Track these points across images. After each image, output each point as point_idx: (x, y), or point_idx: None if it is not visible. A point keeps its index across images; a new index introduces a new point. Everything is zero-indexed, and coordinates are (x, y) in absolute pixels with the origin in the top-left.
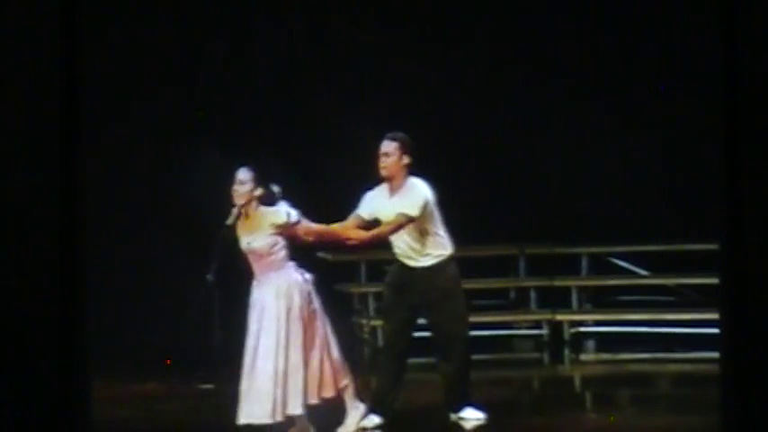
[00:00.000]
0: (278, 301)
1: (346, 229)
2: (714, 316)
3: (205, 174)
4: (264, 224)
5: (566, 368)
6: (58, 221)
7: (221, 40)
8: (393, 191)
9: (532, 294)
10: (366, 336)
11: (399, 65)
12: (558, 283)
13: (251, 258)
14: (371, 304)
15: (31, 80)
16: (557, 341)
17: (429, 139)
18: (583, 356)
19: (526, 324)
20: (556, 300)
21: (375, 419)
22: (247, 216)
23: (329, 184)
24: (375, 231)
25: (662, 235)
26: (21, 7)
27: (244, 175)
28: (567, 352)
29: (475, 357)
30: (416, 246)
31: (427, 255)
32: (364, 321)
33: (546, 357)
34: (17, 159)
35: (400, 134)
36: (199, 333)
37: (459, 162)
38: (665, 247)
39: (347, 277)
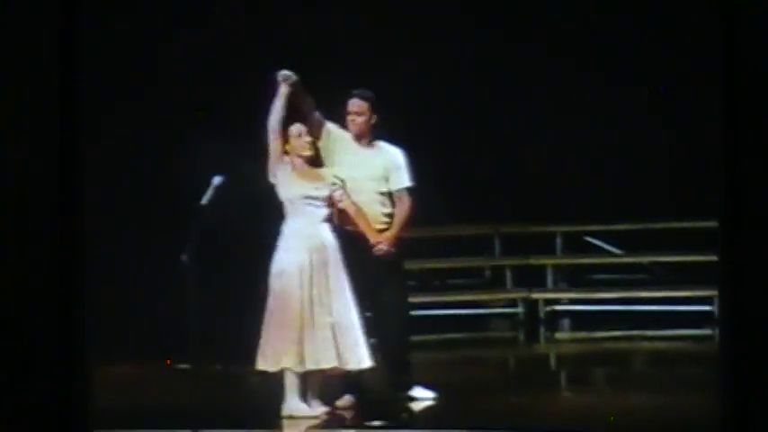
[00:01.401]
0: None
1: (370, 226)
2: (687, 294)
3: (204, 168)
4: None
5: (541, 346)
6: (57, 215)
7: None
8: (363, 148)
9: (508, 273)
10: None
11: (374, 34)
12: (533, 261)
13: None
14: None
15: (29, 79)
16: (532, 320)
17: (403, 117)
18: (558, 335)
19: (501, 303)
20: (531, 278)
21: None
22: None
23: None
24: (395, 230)
25: (636, 214)
26: (20, 2)
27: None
28: (542, 330)
29: (451, 336)
30: (389, 213)
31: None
32: None
33: (521, 336)
34: (16, 153)
35: (369, 93)
36: (174, 314)
37: (434, 140)
38: (638, 226)
39: None
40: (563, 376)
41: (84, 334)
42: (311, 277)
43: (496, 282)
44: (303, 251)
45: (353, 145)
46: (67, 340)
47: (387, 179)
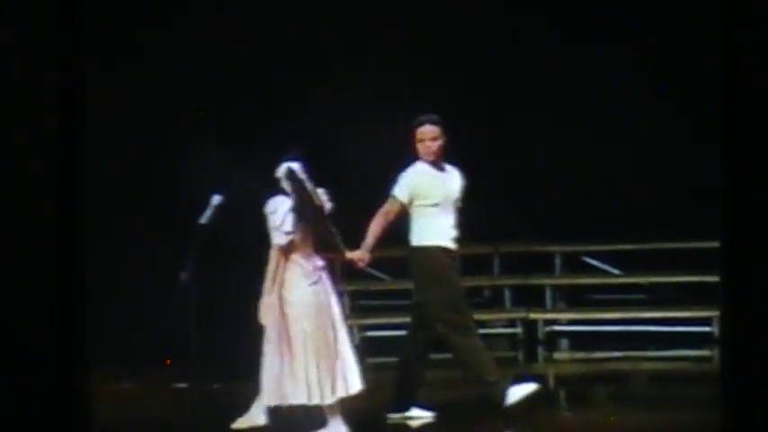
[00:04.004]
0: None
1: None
2: (686, 314)
3: (205, 173)
4: None
5: (540, 366)
6: (58, 221)
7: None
8: (439, 171)
9: (507, 293)
10: None
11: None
12: (532, 281)
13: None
14: (347, 303)
15: (29, 81)
16: (531, 340)
17: (405, 136)
18: (557, 355)
19: (500, 323)
20: (530, 298)
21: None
22: None
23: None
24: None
25: (635, 234)
26: (20, 4)
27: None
28: (541, 350)
29: (449, 356)
30: (456, 228)
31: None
32: None
33: (520, 356)
34: (17, 158)
35: (435, 116)
36: (175, 332)
37: None
38: (637, 247)
39: None
40: (562, 396)
41: (84, 348)
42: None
43: (495, 301)
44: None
45: (433, 172)
46: (68, 354)
47: (458, 200)
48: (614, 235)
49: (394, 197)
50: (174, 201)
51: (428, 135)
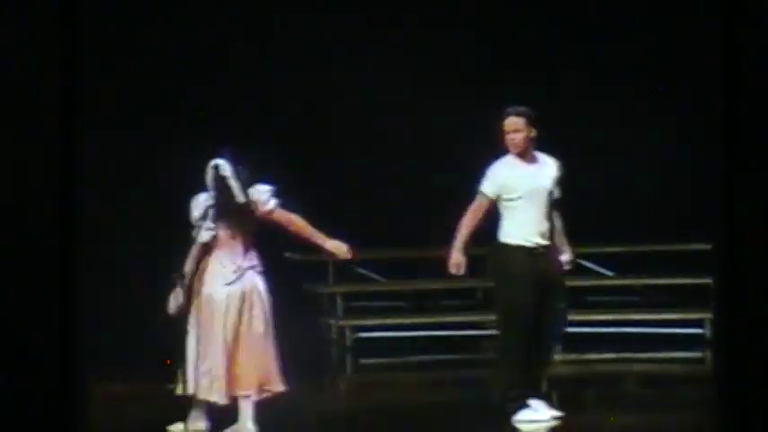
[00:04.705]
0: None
1: None
2: (678, 316)
3: (203, 173)
4: None
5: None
6: (57, 221)
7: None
8: (527, 164)
9: None
10: (334, 336)
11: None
12: None
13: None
14: (339, 304)
15: (29, 81)
16: None
17: (399, 138)
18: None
19: (494, 324)
20: None
21: None
22: None
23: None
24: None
25: (628, 236)
26: (20, 4)
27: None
28: None
29: (443, 358)
30: (547, 225)
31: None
32: (332, 322)
33: None
34: (17, 158)
35: (522, 108)
36: (168, 334)
37: (428, 162)
38: (630, 249)
39: (315, 278)
40: (554, 398)
41: (83, 349)
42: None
43: (489, 303)
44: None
45: (519, 164)
46: (66, 355)
47: (552, 192)
48: (607, 237)
49: (481, 193)
50: (173, 200)
51: (512, 127)
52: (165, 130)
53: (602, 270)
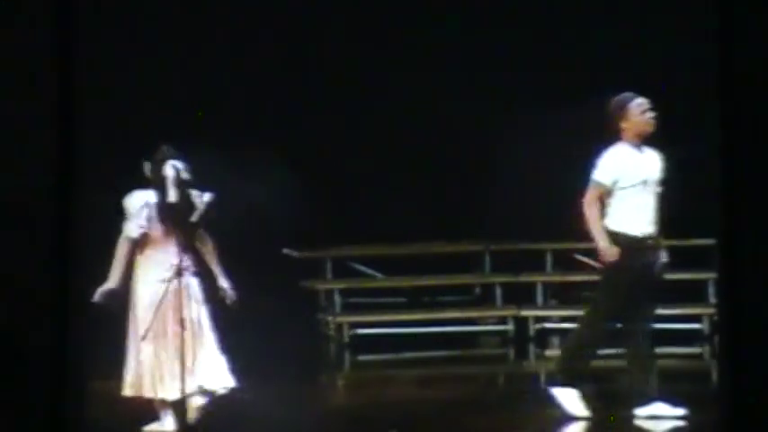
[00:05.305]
0: None
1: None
2: (676, 312)
3: (205, 173)
4: None
5: (531, 364)
6: (56, 223)
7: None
8: (639, 152)
9: (497, 290)
10: (331, 333)
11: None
12: (523, 279)
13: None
14: (337, 301)
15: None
16: (522, 337)
17: (396, 136)
18: (548, 352)
19: (491, 320)
20: (521, 296)
21: None
22: None
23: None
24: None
25: None
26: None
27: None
28: (532, 348)
29: (441, 354)
30: (656, 214)
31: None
32: (330, 318)
33: (511, 353)
34: (13, 156)
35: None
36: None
37: (425, 158)
38: None
39: (313, 274)
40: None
41: (80, 350)
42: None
43: (486, 299)
44: None
45: (634, 152)
46: (62, 356)
47: (659, 181)
48: None
49: (597, 182)
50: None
51: (644, 106)
52: (164, 130)
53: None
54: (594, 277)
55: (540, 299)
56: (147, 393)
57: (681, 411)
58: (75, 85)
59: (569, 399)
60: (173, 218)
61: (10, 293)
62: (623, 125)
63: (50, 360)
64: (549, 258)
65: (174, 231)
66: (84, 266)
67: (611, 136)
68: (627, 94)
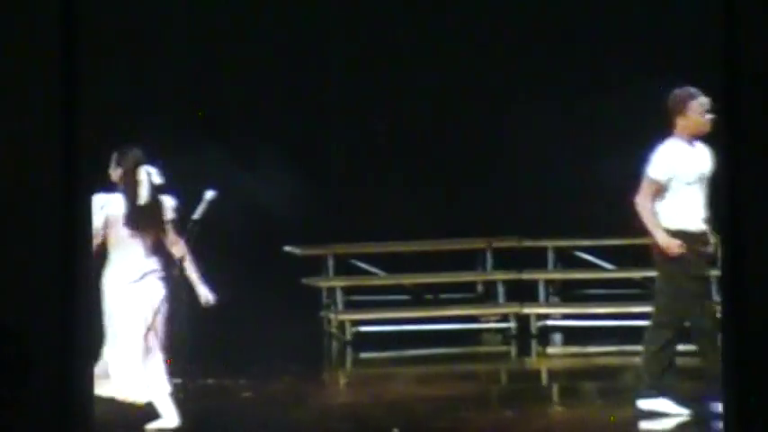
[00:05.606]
0: None
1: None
2: None
3: (205, 172)
4: None
5: (533, 361)
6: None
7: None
8: (693, 148)
9: (500, 288)
10: (334, 330)
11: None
12: (525, 276)
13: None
14: (339, 298)
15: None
16: (524, 334)
17: (399, 134)
18: (550, 350)
19: (494, 317)
20: (523, 293)
21: None
22: None
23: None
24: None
25: (628, 229)
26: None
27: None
28: (534, 345)
29: (443, 351)
30: (708, 211)
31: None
32: (332, 316)
33: (513, 351)
34: (17, 158)
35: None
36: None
37: (427, 155)
38: (630, 241)
39: (315, 272)
40: (555, 391)
41: (86, 345)
42: None
43: (488, 296)
44: None
45: (688, 148)
46: (69, 350)
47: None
48: (608, 229)
49: (651, 178)
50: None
51: (707, 106)
52: (164, 130)
53: (602, 263)
54: (600, 274)
55: (542, 296)
56: (118, 396)
57: (685, 409)
58: (78, 84)
59: (664, 406)
60: (142, 222)
61: (14, 293)
62: (680, 121)
63: (56, 359)
64: (551, 256)
65: (141, 235)
66: (89, 266)
67: (666, 131)
68: (690, 90)
